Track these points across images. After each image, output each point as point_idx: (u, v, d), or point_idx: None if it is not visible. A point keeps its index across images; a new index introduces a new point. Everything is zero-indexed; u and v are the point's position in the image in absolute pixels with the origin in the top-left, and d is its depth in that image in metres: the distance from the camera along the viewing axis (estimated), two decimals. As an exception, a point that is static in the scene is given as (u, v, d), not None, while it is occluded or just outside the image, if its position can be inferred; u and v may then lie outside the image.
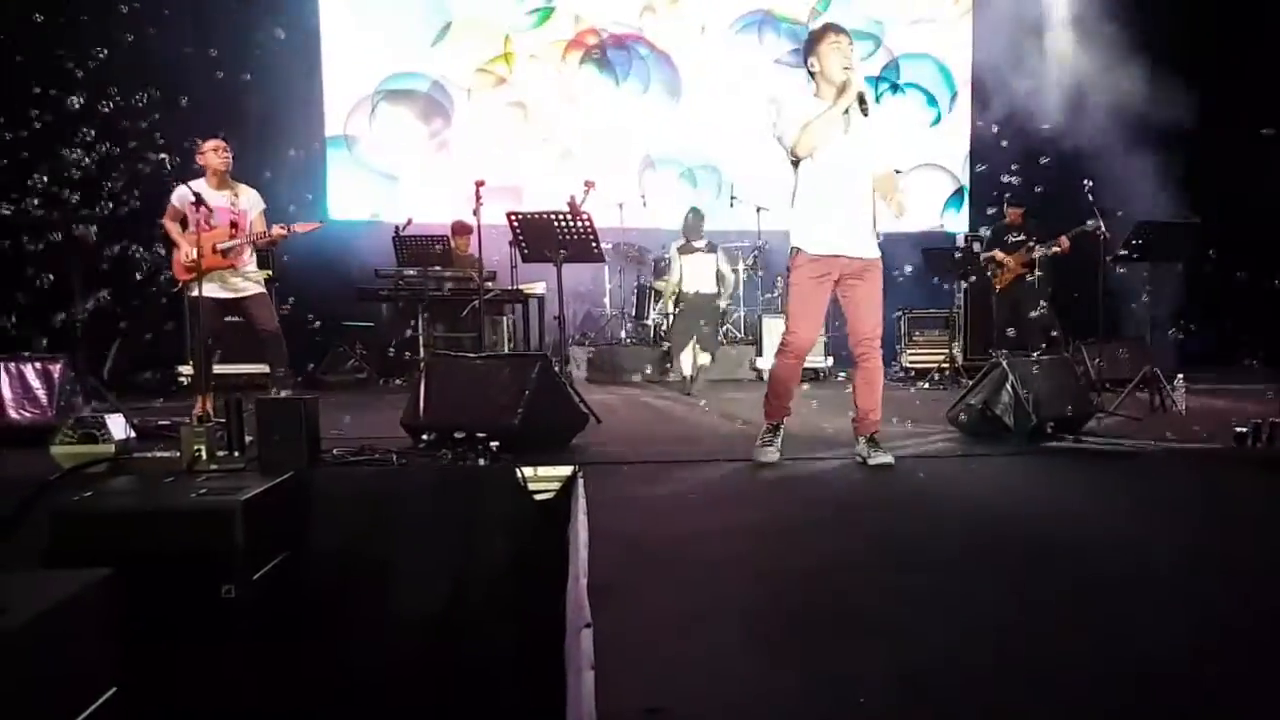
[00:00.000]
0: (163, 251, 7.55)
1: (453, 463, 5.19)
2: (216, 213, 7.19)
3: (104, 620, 2.57)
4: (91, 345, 8.24)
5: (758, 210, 11.65)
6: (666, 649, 2.64)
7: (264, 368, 7.87)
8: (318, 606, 3.83)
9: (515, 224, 7.64)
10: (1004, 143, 10.39)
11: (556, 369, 6.25)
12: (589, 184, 8.90)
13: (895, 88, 12.96)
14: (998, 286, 9.97)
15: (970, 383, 6.86)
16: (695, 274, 9.80)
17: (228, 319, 7.48)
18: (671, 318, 10.30)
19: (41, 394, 6.40)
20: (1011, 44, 11.69)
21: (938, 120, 13.08)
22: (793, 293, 5.49)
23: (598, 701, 2.22)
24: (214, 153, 7.28)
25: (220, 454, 5.19)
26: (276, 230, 7.39)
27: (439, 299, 9.90)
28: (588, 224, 7.53)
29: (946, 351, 10.57)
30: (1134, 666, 2.49)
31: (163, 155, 7.48)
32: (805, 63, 5.40)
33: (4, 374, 6.39)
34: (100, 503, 3.72)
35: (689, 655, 2.58)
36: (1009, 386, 6.07)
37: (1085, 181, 8.11)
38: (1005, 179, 9.10)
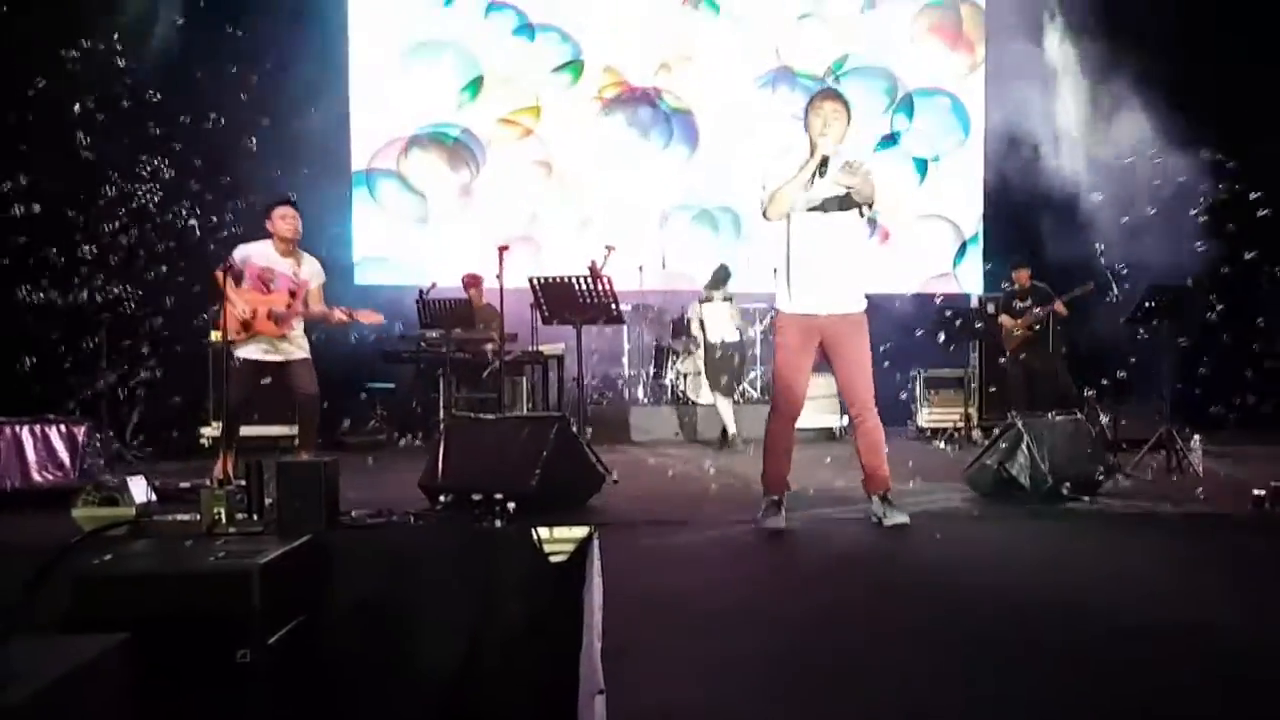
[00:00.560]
0: (204, 315, 7.48)
1: (470, 524, 5.21)
2: (278, 279, 7.13)
3: (120, 685, 2.60)
4: (117, 406, 8.33)
5: (774, 272, 11.67)
6: (680, 717, 2.65)
7: (288, 429, 7.89)
8: (333, 670, 3.85)
9: (537, 287, 7.73)
10: (1017, 199, 10.44)
11: (574, 429, 6.29)
12: (610, 248, 8.99)
13: (895, 138, 12.99)
14: (1008, 350, 10.04)
15: (986, 443, 6.85)
16: (717, 324, 9.93)
17: (262, 381, 7.39)
18: (688, 377, 10.37)
19: (65, 456, 6.47)
20: (1022, 102, 11.77)
21: (960, 142, 13.07)
22: (778, 355, 5.58)
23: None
24: (282, 220, 7.15)
25: (240, 517, 5.22)
26: (338, 315, 7.24)
27: (460, 361, 9.98)
28: (608, 287, 7.61)
29: (962, 411, 10.56)
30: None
31: (192, 222, 7.55)
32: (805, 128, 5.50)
33: (28, 436, 6.46)
34: (119, 566, 3.76)
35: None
36: (1024, 447, 6.07)
37: (1097, 245, 8.13)
38: (1015, 234, 9.15)
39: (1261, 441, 8.99)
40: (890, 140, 12.85)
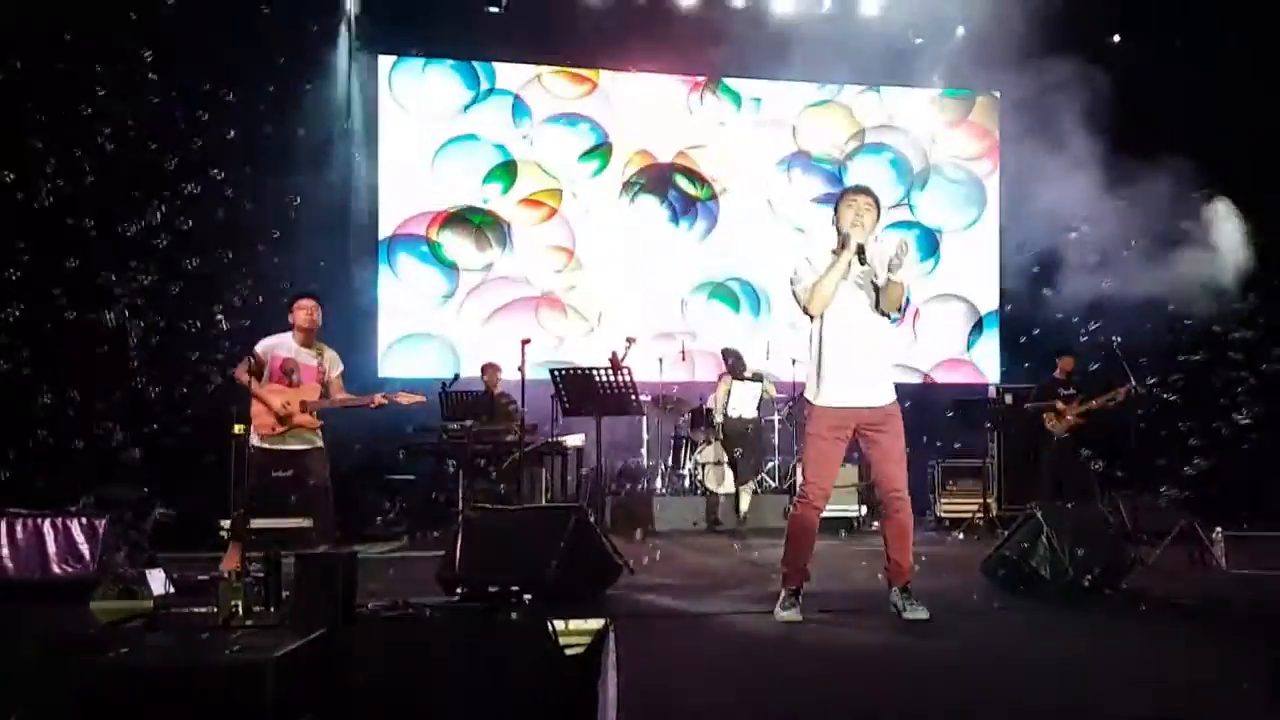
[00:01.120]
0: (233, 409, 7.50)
1: (485, 617, 5.19)
2: (304, 371, 7.19)
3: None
4: (138, 499, 8.36)
5: (793, 362, 11.75)
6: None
7: (304, 521, 7.88)
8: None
9: (557, 379, 7.80)
10: (1035, 283, 10.48)
11: (592, 520, 6.29)
12: (630, 340, 9.07)
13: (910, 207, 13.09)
14: (1054, 435, 9.92)
15: (1006, 533, 6.81)
16: (742, 400, 10.06)
17: (275, 474, 7.42)
18: (707, 467, 10.38)
19: (85, 549, 6.49)
20: (1038, 187, 11.84)
21: (974, 223, 13.13)
22: (808, 444, 5.57)
23: None
24: (301, 310, 7.24)
25: (257, 609, 5.23)
26: (378, 399, 7.28)
27: (480, 452, 10.02)
28: (628, 378, 7.67)
29: (981, 501, 10.49)
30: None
31: (219, 317, 7.63)
32: (833, 224, 5.57)
33: (49, 528, 6.49)
34: (134, 659, 3.76)
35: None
36: (1044, 538, 6.03)
37: (1114, 339, 8.11)
38: (1033, 319, 9.13)
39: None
40: (904, 224, 12.91)
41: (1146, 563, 6.92)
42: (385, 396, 7.32)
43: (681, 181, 12.68)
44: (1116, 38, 11.73)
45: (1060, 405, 9.98)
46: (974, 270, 13.07)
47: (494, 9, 11.53)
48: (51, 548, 6.48)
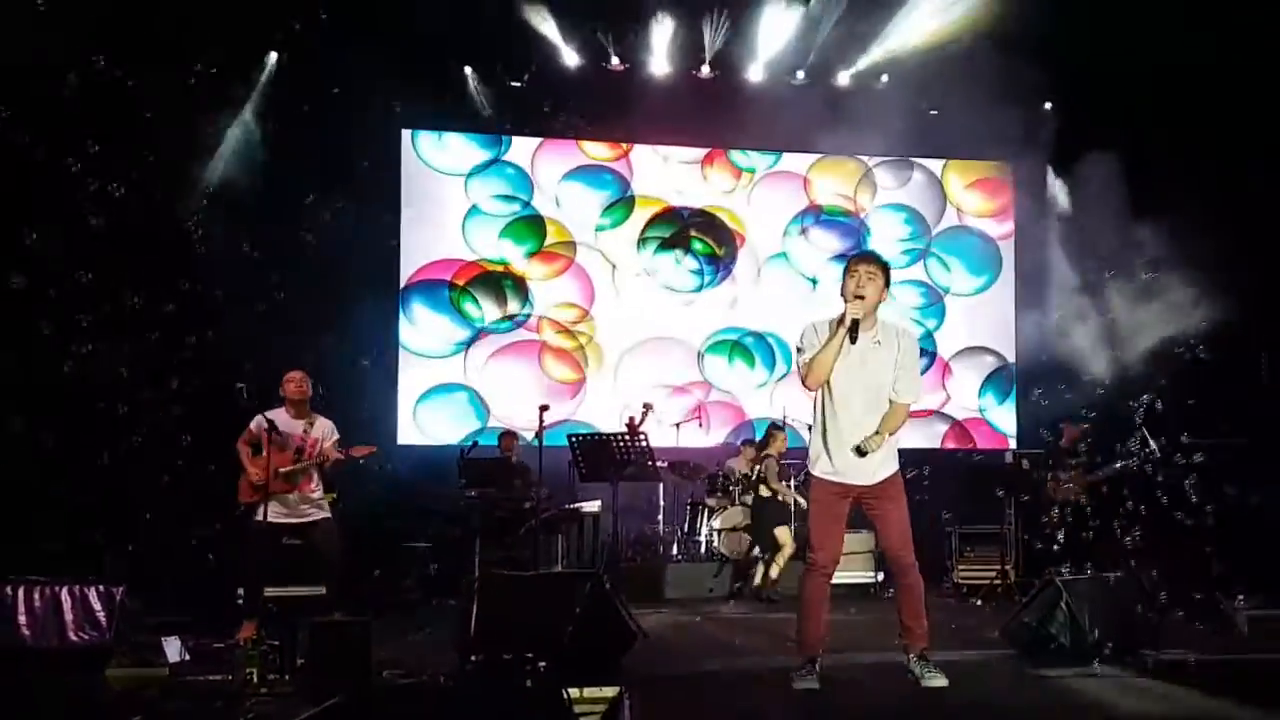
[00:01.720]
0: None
1: (500, 684, 5.18)
2: (289, 440, 7.37)
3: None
4: (155, 566, 8.38)
5: (809, 428, 11.76)
6: None
7: (318, 590, 7.88)
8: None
9: (575, 445, 7.83)
10: (1049, 345, 10.50)
11: (608, 586, 6.28)
12: (647, 406, 9.12)
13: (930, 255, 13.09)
14: (1057, 504, 9.89)
15: (1025, 600, 6.76)
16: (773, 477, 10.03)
17: (285, 541, 7.49)
18: (723, 534, 10.35)
19: (102, 616, 6.50)
20: (1051, 250, 11.93)
21: (988, 285, 13.13)
22: (812, 511, 5.55)
23: None
24: (290, 383, 7.51)
25: (271, 677, 5.23)
26: (334, 455, 7.43)
27: (497, 519, 10.02)
28: (645, 444, 7.69)
29: (999, 568, 10.39)
30: None
31: (240, 385, 7.73)
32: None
33: (66, 596, 6.52)
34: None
35: None
36: (1064, 605, 5.99)
37: (1133, 403, 8.08)
38: (1047, 382, 9.13)
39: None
40: (917, 283, 12.93)
41: (1168, 630, 6.83)
42: (341, 452, 7.46)
43: (698, 241, 12.66)
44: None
45: (1060, 474, 9.94)
46: (989, 331, 13.02)
47: (515, 83, 11.67)
48: (68, 616, 6.50)
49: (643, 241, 12.52)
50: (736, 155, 12.79)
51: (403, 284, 11.98)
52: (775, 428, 10.46)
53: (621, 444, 7.70)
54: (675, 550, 11.10)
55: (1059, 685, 5.42)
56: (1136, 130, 10.82)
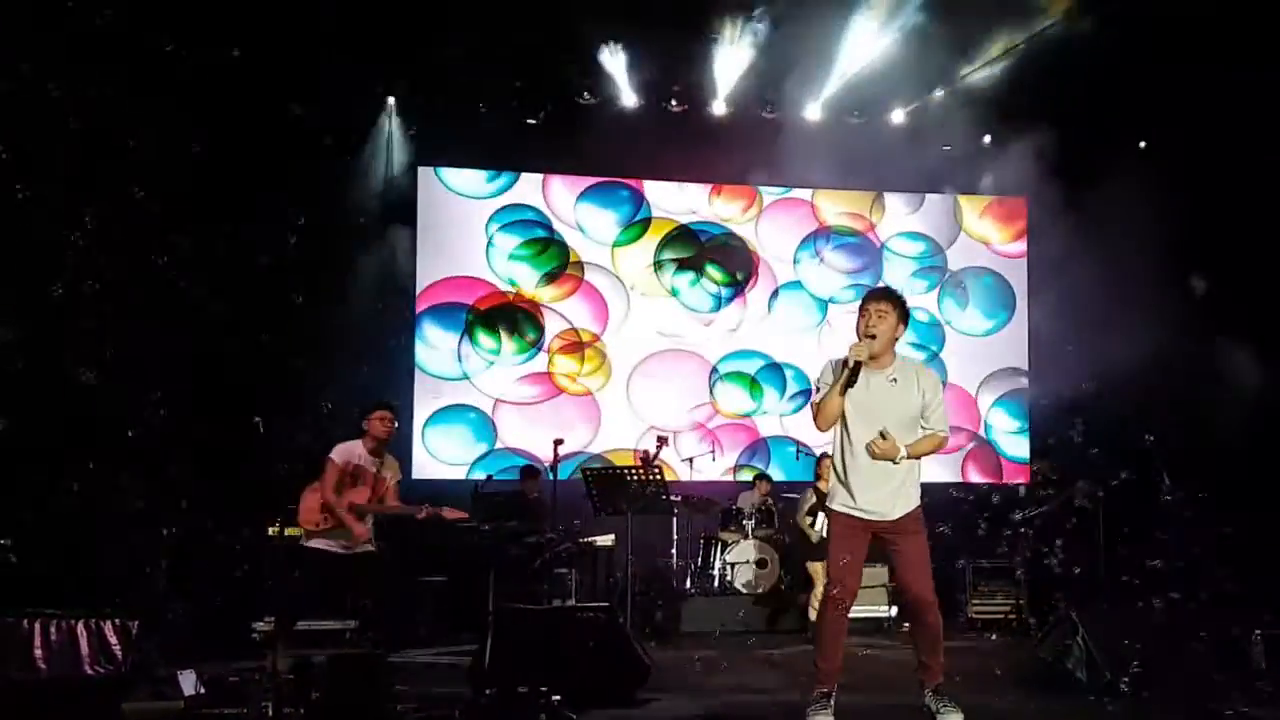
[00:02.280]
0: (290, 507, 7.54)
1: (515, 717, 5.19)
2: (364, 476, 7.24)
3: None
4: (171, 598, 8.41)
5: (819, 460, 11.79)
6: None
7: (343, 624, 7.89)
8: None
9: (589, 478, 7.85)
10: (1064, 379, 10.50)
11: (621, 620, 6.29)
12: (662, 439, 9.14)
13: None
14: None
15: (1039, 634, 6.74)
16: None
17: (330, 574, 7.31)
18: (737, 567, 10.36)
19: (117, 650, 6.52)
20: (1066, 286, 11.92)
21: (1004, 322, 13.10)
22: (831, 546, 5.51)
23: None
24: (380, 422, 7.32)
25: (287, 710, 5.24)
26: (425, 511, 7.30)
27: (512, 553, 10.02)
28: (659, 477, 7.71)
29: (1013, 602, 10.35)
30: None
31: (257, 419, 7.72)
32: None
33: (82, 630, 6.54)
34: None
35: None
36: (1080, 639, 5.97)
37: (1147, 437, 8.07)
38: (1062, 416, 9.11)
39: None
40: (928, 320, 12.92)
41: (1184, 664, 6.79)
42: (430, 510, 7.36)
43: (713, 266, 12.62)
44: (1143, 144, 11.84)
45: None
46: (1001, 364, 13.00)
47: (531, 120, 11.75)
48: (84, 648, 6.52)
49: (659, 265, 12.51)
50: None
51: (417, 302, 11.96)
52: (826, 456, 10.34)
53: (635, 478, 7.71)
54: (689, 584, 11.09)
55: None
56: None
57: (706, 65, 11.42)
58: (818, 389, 5.48)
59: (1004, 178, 12.25)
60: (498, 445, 11.85)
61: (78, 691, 6.26)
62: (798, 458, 12.06)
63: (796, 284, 12.75)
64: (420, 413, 11.88)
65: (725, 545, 10.90)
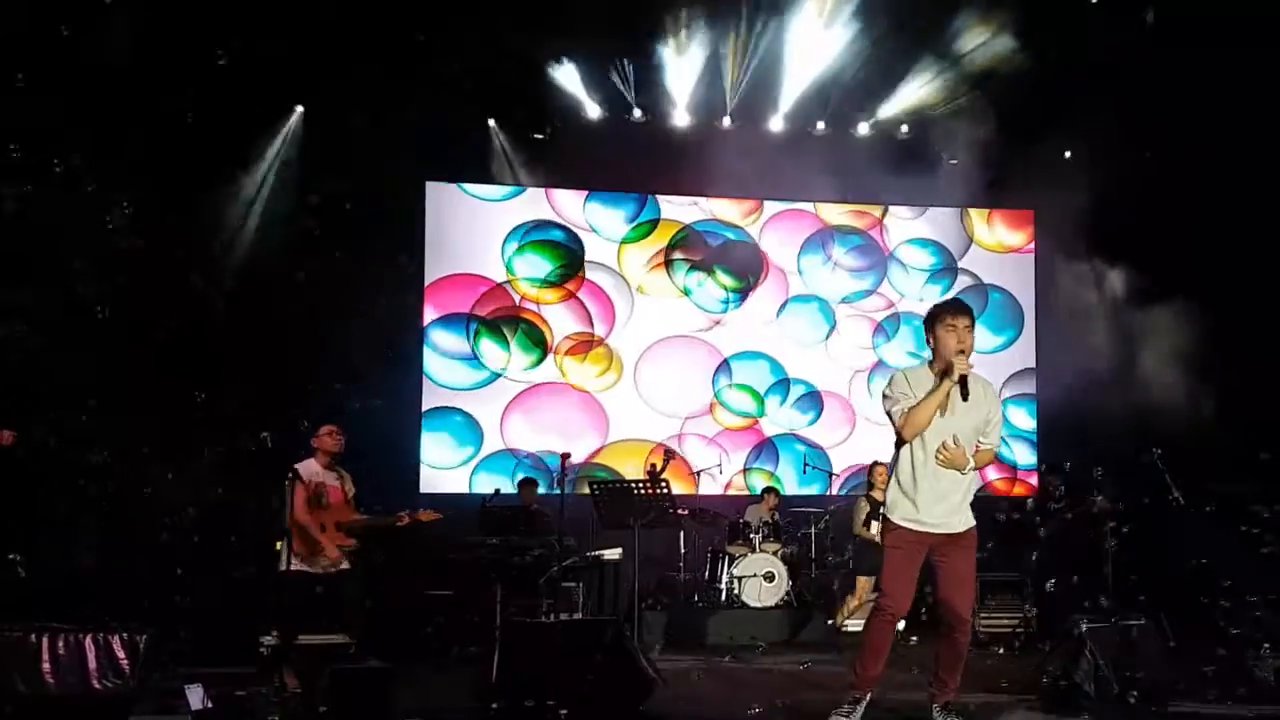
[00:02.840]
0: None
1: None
2: (329, 492, 7.34)
3: None
4: (179, 612, 8.42)
5: (829, 475, 11.81)
6: None
7: (344, 638, 7.88)
8: None
9: (595, 492, 7.86)
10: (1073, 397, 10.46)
11: (628, 634, 6.29)
12: (671, 454, 9.14)
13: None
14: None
15: (1048, 648, 6.72)
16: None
17: (317, 590, 7.41)
18: (743, 580, 10.34)
19: (125, 664, 6.51)
20: (1074, 302, 11.92)
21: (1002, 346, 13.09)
22: (887, 556, 5.43)
23: None
24: (330, 436, 7.46)
25: (294, 725, 5.25)
26: (404, 519, 7.45)
27: (518, 566, 10.01)
28: (666, 491, 7.71)
29: (1021, 615, 10.31)
30: None
31: (264, 434, 7.75)
32: (926, 338, 5.48)
33: (90, 644, 6.53)
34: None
35: None
36: (1088, 653, 5.96)
37: (1155, 450, 8.03)
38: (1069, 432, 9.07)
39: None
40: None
41: (1193, 678, 6.77)
42: (409, 515, 7.42)
43: (722, 271, 12.59)
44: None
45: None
46: (1011, 383, 12.98)
47: (538, 135, 11.78)
48: (92, 663, 6.50)
49: (670, 264, 12.51)
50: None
51: (424, 311, 12.00)
52: (879, 464, 10.27)
53: (642, 491, 7.71)
54: (696, 598, 11.08)
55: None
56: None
57: (711, 80, 11.48)
58: (886, 398, 5.40)
59: (1010, 191, 12.27)
60: (485, 448, 11.92)
61: (85, 706, 6.25)
62: (804, 471, 12.07)
63: (808, 297, 12.76)
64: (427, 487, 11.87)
65: (732, 559, 10.89)
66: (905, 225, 13.03)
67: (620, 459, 12.02)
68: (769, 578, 10.46)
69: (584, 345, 12.28)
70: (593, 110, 11.70)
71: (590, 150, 11.89)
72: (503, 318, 12.18)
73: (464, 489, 11.71)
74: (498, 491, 10.59)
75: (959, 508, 5.36)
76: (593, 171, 12.26)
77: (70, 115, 8.04)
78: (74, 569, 8.29)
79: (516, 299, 12.21)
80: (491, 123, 11.77)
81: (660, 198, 12.56)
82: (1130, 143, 11.08)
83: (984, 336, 12.94)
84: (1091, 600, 9.02)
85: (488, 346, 12.12)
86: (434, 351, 11.98)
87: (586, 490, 9.01)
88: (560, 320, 12.30)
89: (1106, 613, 7.83)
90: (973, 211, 13.05)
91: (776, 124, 12.07)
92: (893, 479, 5.47)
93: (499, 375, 12.10)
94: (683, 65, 11.29)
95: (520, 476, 11.10)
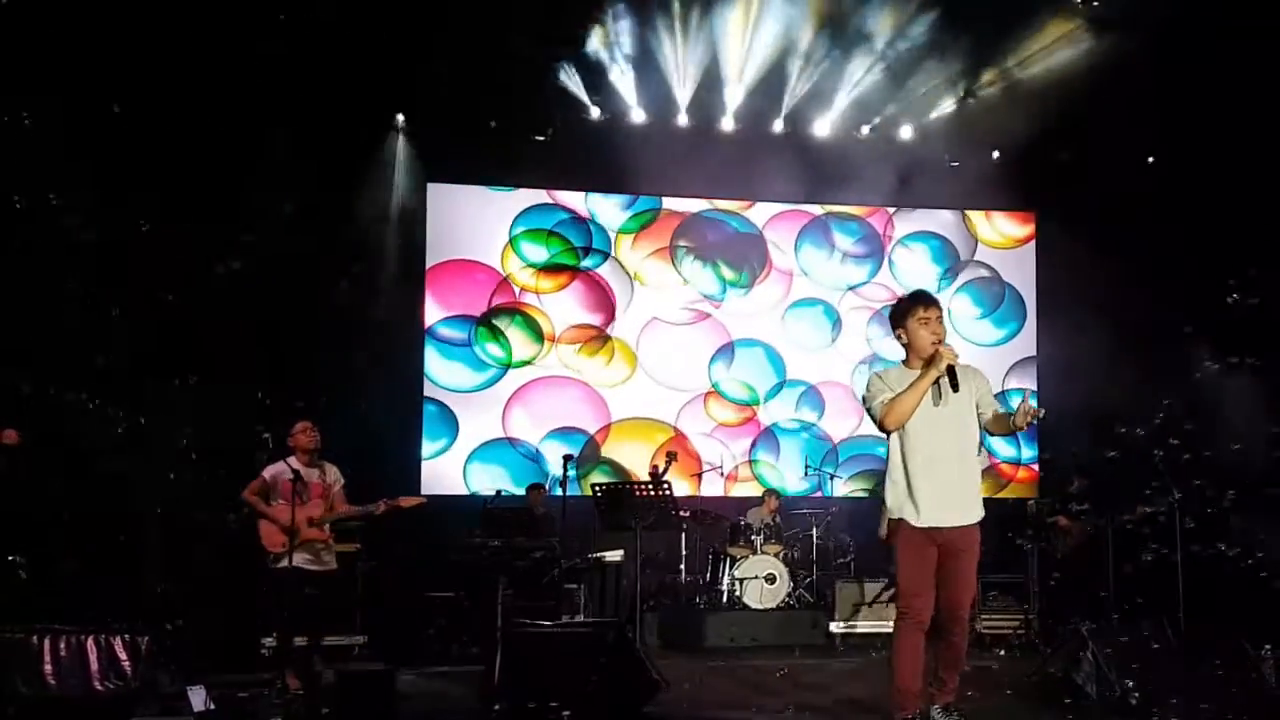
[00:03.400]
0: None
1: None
2: (310, 487, 7.36)
3: None
4: (180, 613, 8.41)
5: (831, 478, 11.80)
6: None
7: (348, 639, 7.91)
8: None
9: (598, 494, 7.85)
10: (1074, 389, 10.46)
11: (630, 635, 6.29)
12: (671, 456, 9.12)
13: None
14: (1059, 555, 9.87)
15: (1049, 650, 6.72)
16: None
17: (308, 590, 7.50)
18: (745, 583, 10.33)
19: (127, 665, 6.52)
20: (1075, 294, 11.90)
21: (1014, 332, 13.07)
22: (901, 561, 5.27)
23: None
24: (303, 434, 7.48)
25: (297, 726, 5.25)
26: (382, 507, 7.42)
27: (521, 568, 10.01)
28: (668, 493, 7.71)
29: (1022, 617, 10.30)
30: None
31: (266, 435, 7.75)
32: (894, 333, 5.38)
33: (91, 645, 6.54)
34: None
35: None
36: (1089, 655, 5.95)
37: (1156, 452, 8.01)
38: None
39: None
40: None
41: (1194, 681, 6.76)
42: (387, 503, 7.45)
43: (724, 264, 12.56)
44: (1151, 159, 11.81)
45: (1062, 520, 9.91)
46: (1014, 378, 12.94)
47: (539, 137, 11.76)
48: (94, 664, 6.51)
49: (675, 250, 12.47)
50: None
51: (425, 313, 11.96)
52: None
53: (644, 493, 7.70)
54: (698, 599, 11.08)
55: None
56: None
57: (711, 81, 11.48)
58: (864, 400, 5.35)
59: (1012, 193, 12.27)
60: (459, 439, 11.89)
61: (87, 707, 6.26)
62: (805, 474, 12.07)
63: (811, 302, 12.72)
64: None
65: (734, 560, 10.88)
66: (907, 221, 13.02)
67: (624, 439, 12.14)
68: (770, 579, 10.45)
69: (597, 340, 12.28)
70: (593, 111, 11.70)
71: (590, 151, 11.89)
72: (503, 309, 12.17)
73: (461, 485, 11.72)
74: (499, 493, 10.62)
75: (966, 498, 5.23)
76: (592, 172, 12.23)
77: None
78: (74, 569, 8.27)
79: (516, 291, 12.18)
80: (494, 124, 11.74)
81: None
82: (1130, 143, 11.10)
83: (987, 330, 13.03)
84: (1093, 600, 9.04)
85: (488, 340, 12.09)
86: (434, 349, 11.96)
87: (588, 491, 9.00)
88: (561, 309, 12.28)
89: (1109, 614, 7.85)
90: (973, 215, 13.05)
91: (778, 125, 12.07)
92: (887, 478, 5.34)
93: (500, 367, 12.08)
94: (684, 66, 11.30)
95: (530, 482, 11.15)
